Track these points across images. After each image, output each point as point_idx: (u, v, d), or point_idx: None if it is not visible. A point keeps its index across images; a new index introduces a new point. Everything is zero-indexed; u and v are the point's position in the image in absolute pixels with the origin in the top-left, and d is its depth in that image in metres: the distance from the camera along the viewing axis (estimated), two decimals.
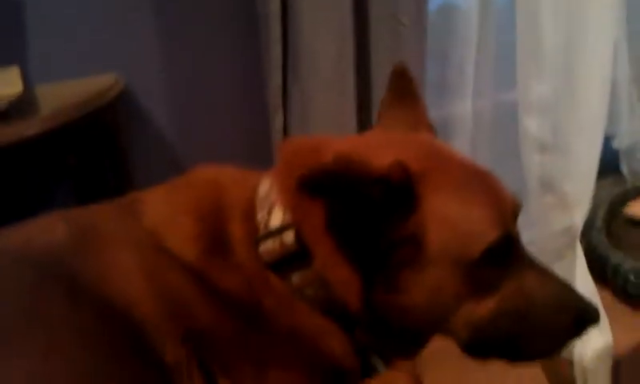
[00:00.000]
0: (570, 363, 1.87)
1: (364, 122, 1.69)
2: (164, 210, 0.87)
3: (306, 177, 0.72)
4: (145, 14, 1.61)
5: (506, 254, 0.81)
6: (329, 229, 0.79)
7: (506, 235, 0.80)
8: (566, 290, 0.85)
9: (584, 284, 1.93)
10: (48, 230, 0.82)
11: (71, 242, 0.80)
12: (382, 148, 0.84)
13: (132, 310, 0.75)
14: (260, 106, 1.68)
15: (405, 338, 0.88)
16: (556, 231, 1.96)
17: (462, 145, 2.03)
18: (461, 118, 2.02)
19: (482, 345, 0.84)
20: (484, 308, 0.81)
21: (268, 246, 0.82)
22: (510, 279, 0.81)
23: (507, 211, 0.83)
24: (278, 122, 1.62)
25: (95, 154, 1.54)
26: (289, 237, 0.81)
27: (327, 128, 1.61)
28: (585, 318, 0.84)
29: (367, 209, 0.76)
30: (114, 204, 0.91)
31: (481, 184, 0.83)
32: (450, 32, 1.96)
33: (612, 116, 2.64)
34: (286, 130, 1.64)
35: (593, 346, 1.87)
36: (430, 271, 0.78)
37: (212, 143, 1.77)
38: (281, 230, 0.82)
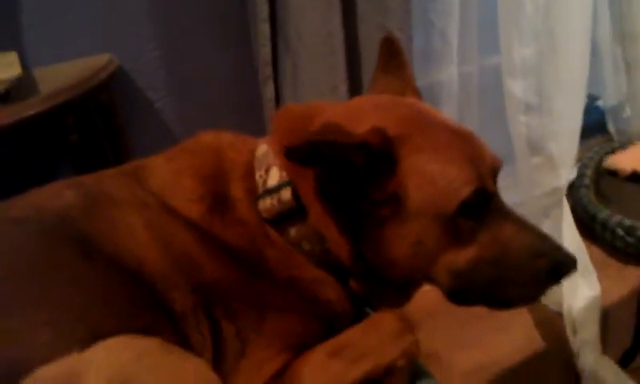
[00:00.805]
0: (560, 315, 1.93)
1: (354, 92, 1.74)
2: (168, 173, 0.91)
3: (290, 148, 0.78)
4: None
5: (482, 208, 0.86)
6: (318, 192, 0.86)
7: (481, 190, 0.85)
8: (542, 240, 0.89)
9: (571, 240, 1.98)
10: (57, 195, 0.86)
11: (80, 205, 0.84)
12: (366, 113, 0.89)
13: (141, 265, 0.80)
14: (251, 78, 1.72)
15: (394, 287, 0.94)
16: (543, 191, 2.00)
17: (450, 110, 2.06)
18: (447, 84, 2.05)
19: (464, 291, 0.89)
20: (463, 256, 0.86)
21: (267, 203, 0.88)
22: (487, 230, 0.86)
23: (484, 168, 0.88)
24: (268, 92, 1.66)
25: (93, 132, 1.59)
26: (286, 194, 0.87)
27: (318, 97, 1.65)
28: (560, 265, 0.88)
29: (350, 173, 0.82)
30: (118, 170, 0.96)
31: (460, 144, 0.88)
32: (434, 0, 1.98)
33: (597, 76, 2.68)
34: (278, 100, 1.69)
35: (582, 297, 1.93)
36: (411, 225, 0.84)
37: (205, 116, 1.82)
38: (278, 188, 0.88)
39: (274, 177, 0.89)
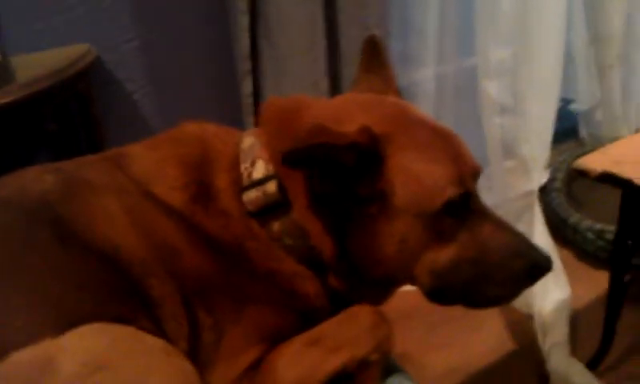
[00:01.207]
0: (531, 317, 1.95)
1: (335, 87, 1.75)
2: (151, 161, 0.90)
3: (286, 154, 0.77)
4: None
5: (463, 208, 0.87)
6: (306, 189, 0.86)
7: (464, 191, 0.86)
8: (520, 241, 0.90)
9: (542, 243, 2.00)
10: (37, 179, 0.84)
11: (59, 190, 0.83)
12: (351, 112, 0.89)
13: (118, 251, 0.79)
14: (230, 71, 1.71)
15: (374, 285, 0.93)
16: (516, 194, 2.02)
17: (426, 110, 2.04)
18: (424, 84, 2.06)
19: (444, 290, 0.89)
20: (444, 255, 0.86)
21: (251, 195, 0.87)
22: (467, 230, 0.87)
23: (466, 169, 0.88)
24: (246, 86, 1.65)
25: (70, 121, 1.57)
26: (271, 187, 0.86)
27: (299, 92, 1.64)
28: (537, 266, 0.89)
29: (340, 172, 0.82)
30: (99, 156, 0.94)
31: (443, 143, 0.88)
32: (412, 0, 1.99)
33: (571, 80, 2.72)
34: (258, 94, 1.68)
35: (552, 300, 1.95)
36: (396, 223, 0.84)
37: (183, 108, 1.80)
38: (264, 181, 0.87)
39: (260, 169, 0.88)
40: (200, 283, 0.83)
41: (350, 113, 0.89)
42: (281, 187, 0.86)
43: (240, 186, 0.88)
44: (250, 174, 0.88)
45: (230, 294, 0.85)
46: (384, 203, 0.84)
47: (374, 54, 1.06)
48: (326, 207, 0.86)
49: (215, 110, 1.83)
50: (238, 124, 1.68)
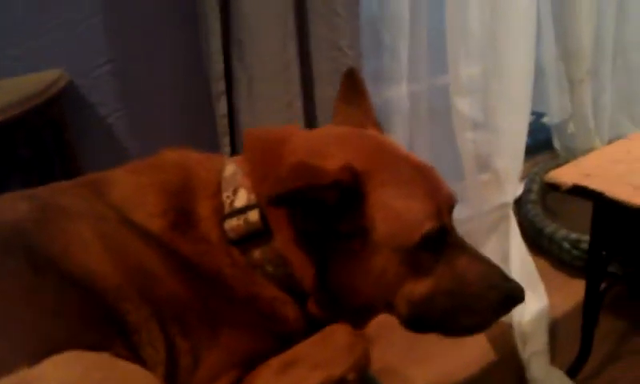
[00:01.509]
0: (510, 327, 1.97)
1: (308, 107, 1.77)
2: (131, 188, 0.90)
3: (273, 198, 0.80)
4: (86, 12, 1.62)
5: (440, 242, 0.90)
6: (289, 223, 0.87)
7: (441, 226, 0.89)
8: (495, 272, 0.94)
9: (519, 254, 2.03)
10: (10, 207, 0.84)
11: (33, 217, 0.82)
12: (332, 146, 0.92)
13: (93, 279, 0.79)
14: (204, 94, 1.72)
15: (353, 312, 0.95)
16: (491, 206, 2.05)
17: (400, 128, 2.09)
18: (397, 102, 2.08)
19: (421, 320, 0.93)
20: (422, 287, 0.89)
21: (233, 223, 0.88)
22: (444, 263, 0.90)
23: (443, 204, 0.92)
24: (221, 107, 1.67)
25: (43, 147, 1.56)
26: (254, 216, 0.88)
27: (274, 113, 1.67)
28: (511, 296, 0.93)
29: (321, 209, 0.84)
30: (74, 182, 0.95)
31: (421, 178, 0.92)
32: (384, 19, 2.01)
33: (543, 94, 2.76)
34: (234, 115, 1.69)
35: (530, 310, 1.97)
36: (375, 257, 0.88)
37: (156, 132, 1.79)
38: (245, 210, 0.88)
39: (242, 198, 0.90)
40: (177, 308, 0.84)
41: (330, 147, 0.92)
42: (262, 216, 0.88)
43: (221, 214, 0.89)
44: (231, 203, 0.89)
45: (207, 318, 0.85)
46: (364, 238, 0.87)
47: (353, 86, 1.09)
48: (307, 241, 0.88)
49: (190, 132, 1.83)
50: (214, 145, 1.69)
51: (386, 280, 0.89)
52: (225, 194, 0.91)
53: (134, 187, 0.91)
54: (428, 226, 0.87)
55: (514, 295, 0.93)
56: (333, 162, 0.85)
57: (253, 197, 0.90)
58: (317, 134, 1.03)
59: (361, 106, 1.08)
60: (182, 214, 0.88)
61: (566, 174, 1.44)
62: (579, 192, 1.38)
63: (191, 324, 0.84)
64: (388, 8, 1.98)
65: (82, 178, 0.96)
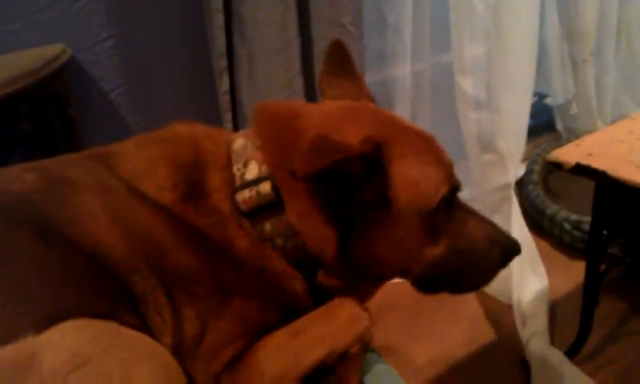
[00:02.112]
0: (510, 307, 1.99)
1: (308, 86, 1.76)
2: (141, 161, 0.90)
3: (308, 175, 0.80)
4: None
5: (451, 203, 0.93)
6: (307, 195, 0.87)
7: (453, 187, 0.92)
8: (495, 229, 0.98)
9: (520, 235, 2.03)
10: (17, 178, 0.84)
11: (40, 188, 0.82)
12: (346, 120, 0.92)
13: (100, 249, 0.79)
14: (207, 69, 1.72)
15: (366, 280, 0.97)
16: (494, 187, 2.05)
17: (403, 107, 2.10)
18: (401, 81, 2.08)
19: (434, 280, 0.95)
20: (438, 249, 0.92)
21: (245, 195, 0.88)
22: (454, 224, 0.93)
23: (449, 168, 0.94)
24: (224, 84, 1.66)
25: (46, 122, 1.57)
26: (265, 187, 0.88)
27: (274, 90, 1.67)
28: (509, 251, 0.97)
29: (347, 181, 0.85)
30: (82, 154, 0.94)
31: (429, 146, 0.93)
32: None
33: (546, 75, 2.76)
34: (235, 92, 1.68)
35: (530, 290, 1.99)
36: (398, 223, 0.88)
37: (159, 107, 1.80)
38: (257, 181, 0.88)
39: (253, 170, 0.89)
40: (184, 278, 0.84)
41: (344, 121, 0.92)
42: (274, 188, 0.88)
43: (232, 186, 0.89)
44: (242, 175, 0.89)
45: (216, 288, 0.85)
46: (386, 206, 0.87)
47: (340, 59, 1.08)
48: (329, 212, 0.88)
49: (192, 108, 1.84)
50: (216, 121, 1.69)
51: (406, 245, 0.90)
52: (235, 167, 0.91)
53: (143, 160, 0.90)
54: (443, 189, 0.89)
55: (513, 249, 0.98)
56: (352, 135, 0.86)
57: (264, 168, 0.89)
58: (327, 108, 1.00)
59: (351, 79, 1.07)
60: (192, 186, 0.88)
61: (569, 154, 1.44)
62: (582, 171, 1.38)
63: (199, 294, 0.84)
64: None
65: (89, 151, 0.95)
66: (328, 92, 1.07)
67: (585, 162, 1.39)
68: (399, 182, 0.87)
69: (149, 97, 1.78)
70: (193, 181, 0.88)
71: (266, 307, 0.90)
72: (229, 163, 0.91)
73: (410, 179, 0.88)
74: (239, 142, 0.93)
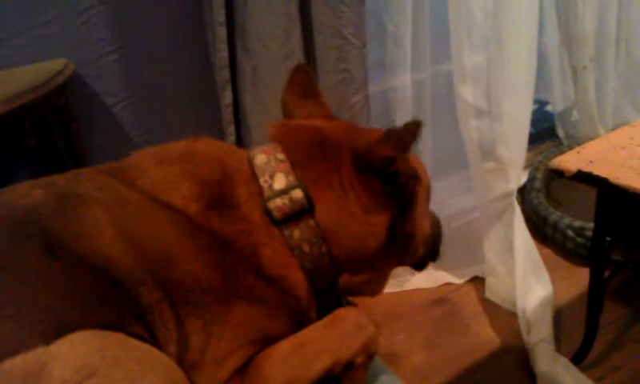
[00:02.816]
0: (514, 315, 1.99)
1: None
2: (162, 175, 0.91)
3: (387, 153, 0.93)
4: (90, 1, 1.62)
5: None
6: (353, 196, 0.96)
7: None
8: None
9: (523, 242, 2.03)
10: (25, 194, 0.84)
11: (49, 203, 0.83)
12: (359, 130, 1.07)
13: (106, 262, 0.79)
14: (209, 83, 1.72)
15: (376, 275, 1.06)
16: (496, 195, 2.05)
17: (404, 116, 2.10)
18: (401, 90, 2.09)
19: (425, 255, 1.13)
20: (428, 221, 1.11)
21: (277, 202, 0.91)
22: None
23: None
24: (227, 96, 1.66)
25: (49, 137, 1.57)
26: (297, 194, 0.92)
27: (278, 101, 1.65)
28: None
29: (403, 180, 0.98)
30: (95, 169, 0.94)
31: None
32: (388, 8, 2.02)
33: (546, 82, 2.76)
34: (238, 104, 1.69)
35: (535, 297, 1.99)
36: (424, 201, 1.07)
37: (162, 121, 1.80)
38: (288, 190, 0.92)
39: (281, 181, 0.93)
40: (193, 289, 0.84)
41: (358, 131, 1.06)
42: (306, 194, 0.93)
43: (261, 197, 0.92)
44: (270, 186, 0.93)
45: (225, 297, 0.86)
46: (414, 187, 1.02)
47: (304, 81, 1.16)
48: (377, 201, 0.96)
49: (195, 120, 1.84)
50: (218, 134, 1.70)
51: (423, 222, 1.06)
52: (262, 179, 0.93)
53: (165, 175, 0.91)
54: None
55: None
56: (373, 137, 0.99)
57: (291, 178, 0.93)
58: (331, 124, 1.08)
59: (318, 100, 1.15)
60: (218, 199, 0.90)
61: (570, 161, 1.45)
62: (583, 178, 1.39)
63: (207, 302, 0.84)
64: None
65: (101, 166, 0.96)
66: (298, 111, 1.13)
67: (586, 169, 1.39)
68: (419, 166, 1.07)
69: (152, 110, 1.78)
70: (218, 194, 0.90)
71: (276, 316, 0.90)
72: (254, 177, 0.94)
73: (421, 169, 1.07)
74: (261, 157, 0.97)
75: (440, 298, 2.20)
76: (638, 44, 2.74)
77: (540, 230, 2.44)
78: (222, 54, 1.60)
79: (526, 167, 2.55)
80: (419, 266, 1.17)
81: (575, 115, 2.82)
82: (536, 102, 2.30)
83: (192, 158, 0.95)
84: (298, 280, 0.92)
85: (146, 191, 0.88)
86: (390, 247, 1.00)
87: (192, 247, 0.85)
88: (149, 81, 1.76)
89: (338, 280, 1.00)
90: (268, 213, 0.91)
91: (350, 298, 1.09)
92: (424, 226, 1.08)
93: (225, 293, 0.86)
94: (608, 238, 1.59)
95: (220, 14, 1.56)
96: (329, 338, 0.90)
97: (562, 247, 2.36)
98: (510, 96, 1.92)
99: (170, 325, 0.82)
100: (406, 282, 2.23)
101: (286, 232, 0.92)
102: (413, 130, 0.98)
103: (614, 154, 1.45)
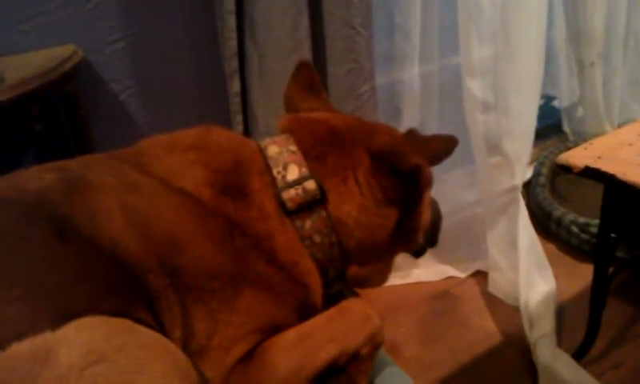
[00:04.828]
0: (517, 310, 1.99)
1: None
2: (175, 162, 0.91)
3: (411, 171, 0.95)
4: None
5: None
6: (366, 188, 0.97)
7: None
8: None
9: (527, 237, 2.03)
10: (36, 178, 0.84)
11: (59, 188, 0.83)
12: (370, 125, 1.09)
13: (115, 247, 0.79)
14: (217, 71, 1.72)
15: (382, 264, 1.07)
16: (501, 189, 2.05)
17: (411, 109, 2.10)
18: (409, 83, 2.09)
19: (425, 244, 1.14)
20: (429, 212, 1.10)
21: (291, 193, 0.92)
22: None
23: None
24: (235, 86, 1.66)
25: (57, 123, 1.57)
26: (311, 184, 0.93)
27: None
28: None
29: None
30: (107, 155, 0.94)
31: None
32: (396, 1, 2.01)
33: (553, 77, 2.76)
34: (246, 93, 1.69)
35: (538, 292, 1.99)
36: (427, 198, 1.07)
37: (170, 108, 1.80)
38: (301, 180, 0.93)
39: (294, 172, 0.94)
40: (201, 275, 0.84)
41: (371, 127, 1.07)
42: (319, 184, 0.94)
43: (275, 188, 0.93)
44: (284, 177, 0.93)
45: (233, 282, 0.86)
46: (419, 179, 0.99)
47: (307, 78, 1.16)
48: (391, 194, 0.98)
49: (202, 109, 1.84)
50: (226, 123, 1.69)
51: (426, 213, 1.06)
52: (275, 170, 0.94)
53: (179, 162, 0.92)
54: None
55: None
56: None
57: (304, 170, 0.94)
58: (342, 118, 1.08)
59: (320, 96, 1.15)
60: (232, 187, 0.91)
61: (578, 156, 1.44)
62: (591, 174, 1.38)
63: (214, 288, 0.85)
64: None
65: (114, 152, 0.96)
66: (302, 106, 1.13)
67: (594, 164, 1.39)
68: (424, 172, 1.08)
69: (159, 98, 1.78)
70: (232, 183, 0.91)
71: (283, 304, 0.91)
72: (267, 168, 0.95)
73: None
74: (273, 148, 0.97)
75: (443, 292, 2.21)
76: None
77: (544, 225, 2.44)
78: (230, 43, 1.60)
79: (531, 162, 2.55)
80: (418, 253, 1.19)
81: (581, 111, 2.82)
82: (542, 97, 2.28)
83: (206, 146, 0.95)
84: (308, 268, 0.94)
85: (159, 177, 0.88)
86: (395, 238, 1.01)
87: (203, 232, 0.85)
88: (156, 68, 1.76)
89: (345, 271, 1.01)
90: (281, 203, 0.92)
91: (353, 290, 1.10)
92: (426, 217, 1.09)
93: (234, 279, 0.86)
94: (613, 235, 1.59)
95: (230, 3, 1.55)
96: (335, 329, 0.91)
97: (566, 243, 2.36)
98: (518, 91, 1.92)
99: (176, 310, 0.82)
100: (408, 275, 2.24)
101: (298, 222, 0.93)
102: (449, 147, 1.00)
103: (621, 151, 1.45)
